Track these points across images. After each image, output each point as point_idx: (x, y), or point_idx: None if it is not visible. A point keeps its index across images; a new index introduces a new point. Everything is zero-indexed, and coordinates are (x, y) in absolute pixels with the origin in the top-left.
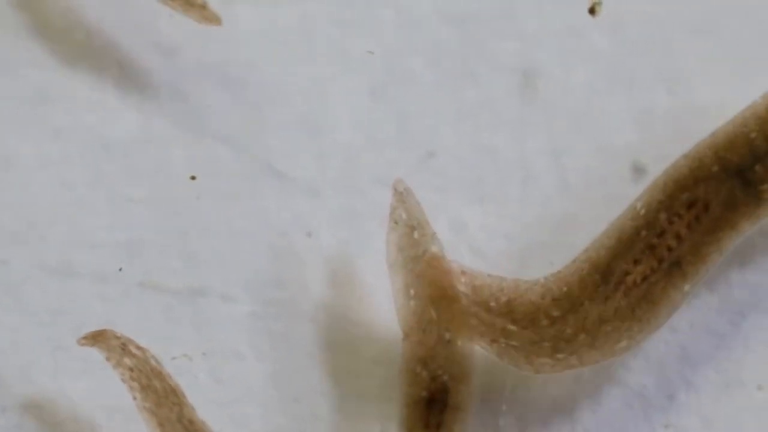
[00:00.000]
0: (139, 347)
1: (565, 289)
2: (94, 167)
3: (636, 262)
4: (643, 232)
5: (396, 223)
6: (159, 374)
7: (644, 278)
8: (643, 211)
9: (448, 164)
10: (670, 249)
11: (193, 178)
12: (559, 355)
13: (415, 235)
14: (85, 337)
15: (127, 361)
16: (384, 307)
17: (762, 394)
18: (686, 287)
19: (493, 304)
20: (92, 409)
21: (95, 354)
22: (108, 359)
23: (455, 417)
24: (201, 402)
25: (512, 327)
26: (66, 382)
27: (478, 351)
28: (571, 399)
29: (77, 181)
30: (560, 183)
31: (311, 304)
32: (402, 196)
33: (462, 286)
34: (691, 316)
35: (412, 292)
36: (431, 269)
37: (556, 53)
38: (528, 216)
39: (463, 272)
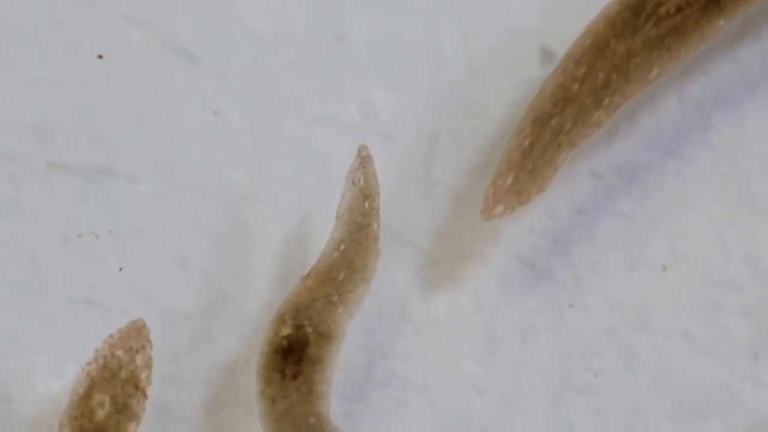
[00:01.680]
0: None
1: (588, 41)
2: (3, 48)
3: None
4: None
5: (354, 184)
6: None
7: (678, 10)
8: None
9: (357, 48)
10: None
11: (100, 57)
12: (604, 102)
13: (366, 205)
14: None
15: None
16: (291, 187)
17: (667, 274)
18: (720, 22)
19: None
20: None
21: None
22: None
23: (314, 368)
24: (107, 281)
25: (559, 124)
26: None
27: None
28: (476, 279)
29: None
30: (469, 67)
31: (219, 185)
32: (365, 160)
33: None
34: (597, 198)
35: (342, 247)
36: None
37: None
38: (437, 100)
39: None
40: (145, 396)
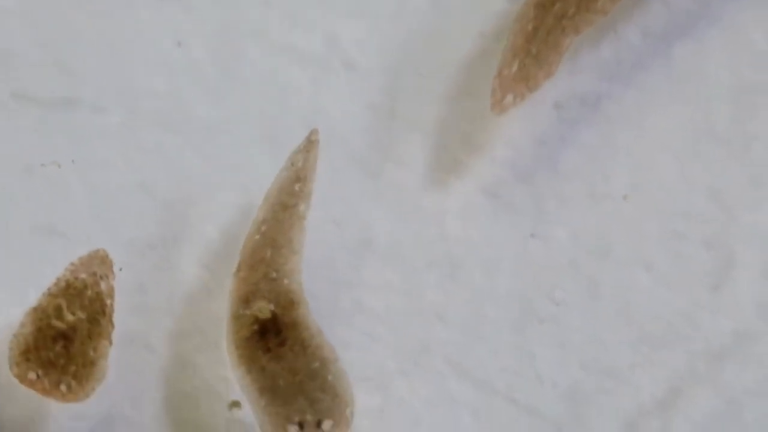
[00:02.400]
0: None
1: None
2: None
3: None
4: None
5: (292, 164)
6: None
7: None
8: None
9: None
10: None
11: None
12: None
13: (296, 187)
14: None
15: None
16: (254, 117)
17: (628, 204)
18: None
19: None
20: None
21: None
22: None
23: (296, 332)
24: (72, 210)
25: (562, 8)
26: None
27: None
28: (439, 209)
29: None
30: None
31: (183, 114)
32: (311, 145)
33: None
34: (559, 129)
35: (263, 228)
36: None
37: None
38: (401, 30)
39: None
40: (112, 325)
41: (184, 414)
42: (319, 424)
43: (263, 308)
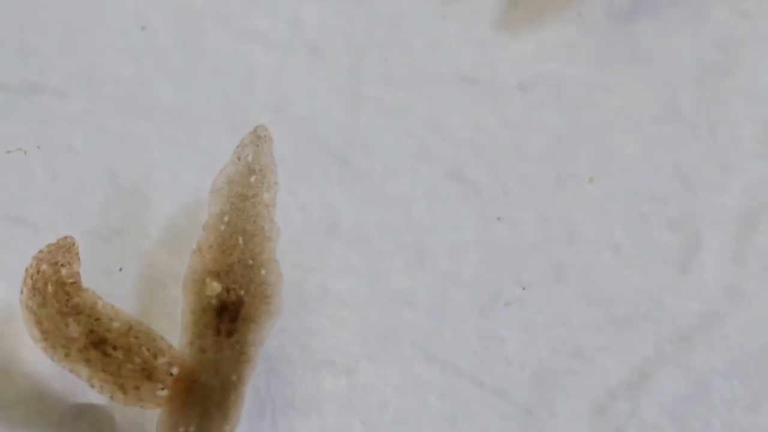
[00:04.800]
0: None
1: None
2: None
3: None
4: None
5: (239, 159)
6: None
7: None
8: None
9: None
10: None
11: None
12: None
13: (252, 179)
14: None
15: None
16: (218, 101)
17: (593, 186)
18: None
19: None
20: None
21: None
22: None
23: (248, 328)
24: (36, 198)
25: None
26: None
27: None
28: (405, 193)
29: None
30: None
31: (147, 98)
32: (260, 140)
33: None
34: (525, 112)
35: (226, 219)
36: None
37: None
38: (365, 13)
39: None
40: (83, 294)
41: None
42: None
43: (216, 288)
